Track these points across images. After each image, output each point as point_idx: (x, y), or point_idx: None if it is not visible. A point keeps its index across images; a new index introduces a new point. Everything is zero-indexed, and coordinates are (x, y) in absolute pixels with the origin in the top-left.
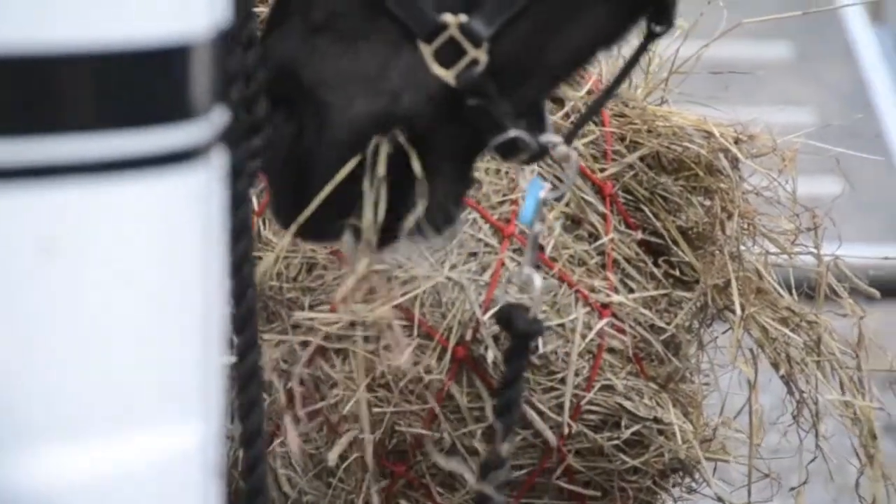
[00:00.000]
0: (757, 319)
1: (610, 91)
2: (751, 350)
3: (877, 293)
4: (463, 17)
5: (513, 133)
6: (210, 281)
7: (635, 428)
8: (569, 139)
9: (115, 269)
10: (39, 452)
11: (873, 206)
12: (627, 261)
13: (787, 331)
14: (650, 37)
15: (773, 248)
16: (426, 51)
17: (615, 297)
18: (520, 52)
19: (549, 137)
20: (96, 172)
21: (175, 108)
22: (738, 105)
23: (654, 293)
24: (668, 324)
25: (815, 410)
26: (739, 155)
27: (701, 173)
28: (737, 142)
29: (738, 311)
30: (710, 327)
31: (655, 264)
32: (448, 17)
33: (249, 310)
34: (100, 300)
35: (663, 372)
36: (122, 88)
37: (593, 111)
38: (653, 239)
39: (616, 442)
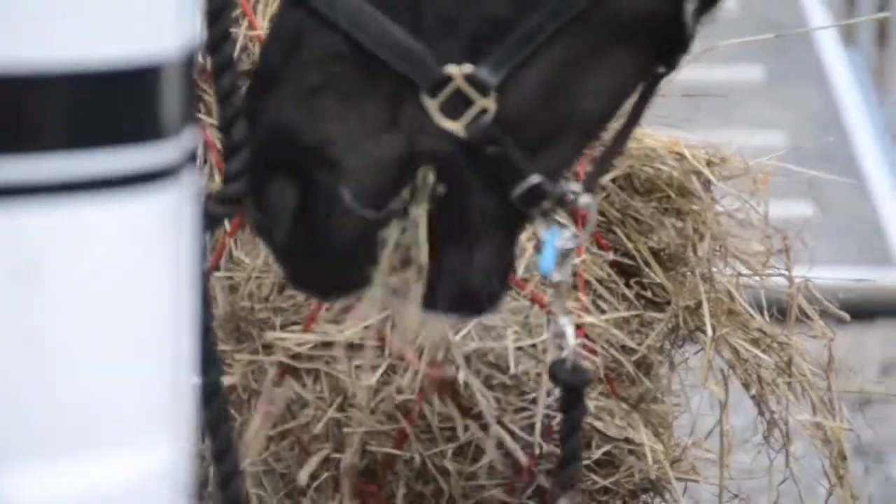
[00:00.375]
0: (728, 340)
1: (625, 134)
2: (722, 371)
3: (847, 316)
4: (468, 68)
5: (535, 179)
6: (180, 300)
7: (606, 448)
8: (589, 187)
9: (85, 288)
10: (6, 471)
11: (845, 229)
12: (599, 282)
13: (758, 352)
14: (656, 78)
15: (744, 270)
16: (432, 104)
17: (587, 318)
18: (532, 100)
19: (570, 186)
20: (66, 192)
21: (146, 129)
22: (711, 128)
23: (625, 314)
24: (640, 344)
25: (785, 431)
26: (711, 177)
27: (673, 195)
28: (709, 164)
29: (710, 332)
30: (681, 348)
31: (627, 285)
32: (452, 69)
33: (206, 326)
34: (69, 320)
35: (634, 392)
36: (94, 109)
37: (610, 156)
38: (624, 260)
39: (587, 462)
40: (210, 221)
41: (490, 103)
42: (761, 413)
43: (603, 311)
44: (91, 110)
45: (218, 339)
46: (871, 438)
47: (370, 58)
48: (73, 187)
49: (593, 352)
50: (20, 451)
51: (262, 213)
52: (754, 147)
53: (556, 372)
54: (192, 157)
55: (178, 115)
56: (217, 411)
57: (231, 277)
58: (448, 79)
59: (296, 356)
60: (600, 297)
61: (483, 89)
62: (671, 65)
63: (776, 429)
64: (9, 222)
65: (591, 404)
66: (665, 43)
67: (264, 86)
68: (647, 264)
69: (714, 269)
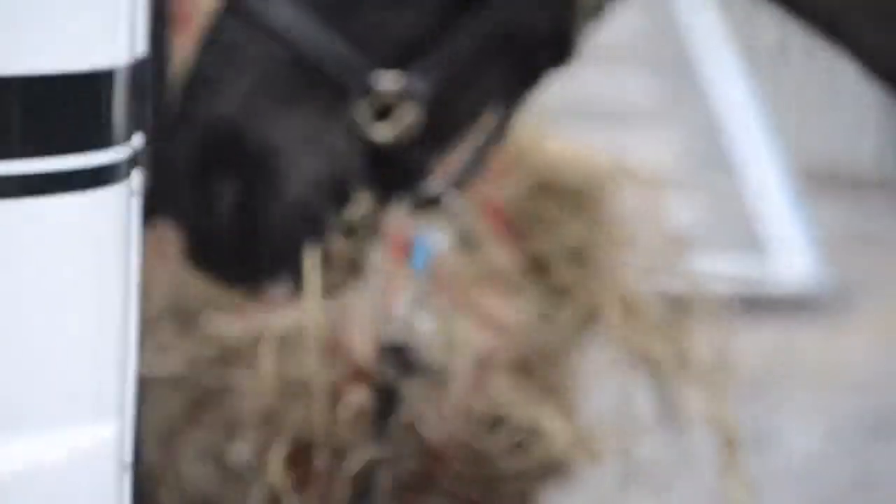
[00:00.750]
0: (629, 332)
1: (496, 136)
2: (625, 361)
3: (738, 308)
4: (399, 75)
5: (435, 186)
6: (128, 288)
7: (517, 433)
8: (458, 185)
9: (39, 276)
10: None
11: (733, 229)
12: (511, 277)
13: (657, 344)
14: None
15: (644, 267)
16: (364, 109)
17: (499, 311)
18: (449, 107)
19: (437, 186)
20: (20, 191)
21: (97, 133)
22: (610, 136)
23: (536, 308)
24: (549, 336)
25: (682, 419)
26: (613, 182)
27: (579, 199)
28: (610, 170)
29: (614, 325)
30: (588, 340)
31: (537, 281)
32: (385, 76)
33: None
34: (24, 304)
35: (544, 381)
36: (47, 113)
37: (480, 158)
38: (536, 257)
39: (498, 447)
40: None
41: (417, 110)
42: (660, 401)
43: (515, 305)
44: (44, 115)
45: (158, 327)
46: (762, 425)
47: (307, 64)
48: (26, 187)
49: (506, 343)
50: None
51: (198, 207)
52: (652, 154)
53: (386, 358)
54: (139, 160)
55: (127, 120)
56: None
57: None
58: (378, 86)
59: (233, 345)
60: (513, 291)
61: (414, 96)
62: (560, 63)
63: (674, 416)
64: None
65: (502, 392)
66: (554, 53)
67: (203, 85)
68: (557, 262)
69: (616, 267)
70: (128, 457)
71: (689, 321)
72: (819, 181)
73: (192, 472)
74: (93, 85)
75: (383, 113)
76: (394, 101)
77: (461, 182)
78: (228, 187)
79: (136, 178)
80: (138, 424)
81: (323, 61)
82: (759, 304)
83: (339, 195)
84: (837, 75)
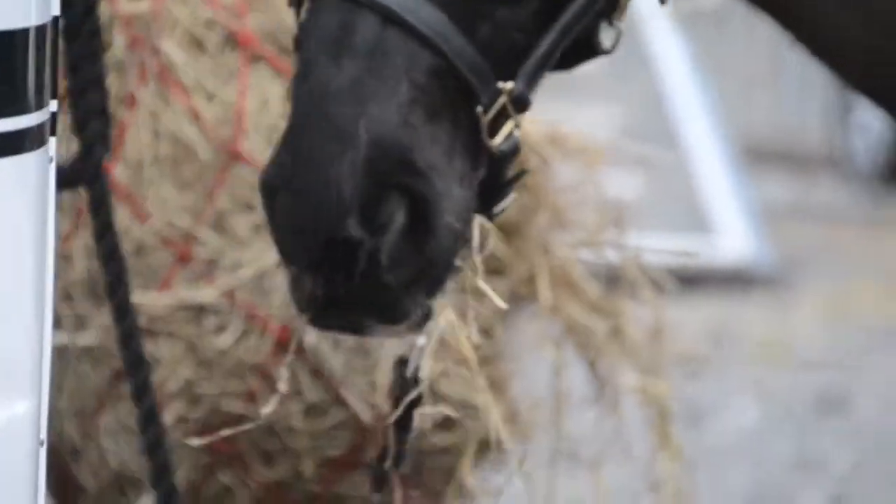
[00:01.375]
0: (563, 308)
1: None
2: (557, 337)
3: (674, 284)
4: (510, 83)
5: (512, 198)
6: (43, 262)
7: (446, 409)
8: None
9: None
10: None
11: (673, 204)
12: None
13: (591, 319)
14: None
15: (579, 242)
16: (484, 119)
17: None
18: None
19: None
20: None
21: (10, 97)
22: (547, 105)
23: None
24: (481, 309)
25: (615, 393)
26: (549, 152)
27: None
28: (546, 139)
29: (546, 300)
30: (520, 314)
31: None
32: (502, 84)
33: (118, 275)
34: None
35: (474, 356)
36: None
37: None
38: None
39: (427, 424)
40: (68, 185)
41: (521, 120)
42: (593, 376)
43: None
44: None
45: (76, 299)
46: (695, 400)
47: (449, 70)
48: None
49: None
50: None
51: (364, 232)
52: (590, 124)
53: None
54: (52, 124)
55: (42, 85)
56: (141, 380)
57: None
58: (499, 93)
59: (152, 318)
60: None
61: (521, 106)
62: None
63: (607, 391)
64: None
65: (432, 367)
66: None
67: (351, 95)
68: (489, 235)
69: (551, 241)
70: (43, 433)
71: (624, 296)
72: (763, 156)
73: (113, 446)
74: (4, 46)
75: (496, 124)
76: (507, 111)
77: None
78: (399, 214)
79: (52, 145)
80: (54, 400)
81: (463, 69)
82: (700, 280)
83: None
84: (782, 50)
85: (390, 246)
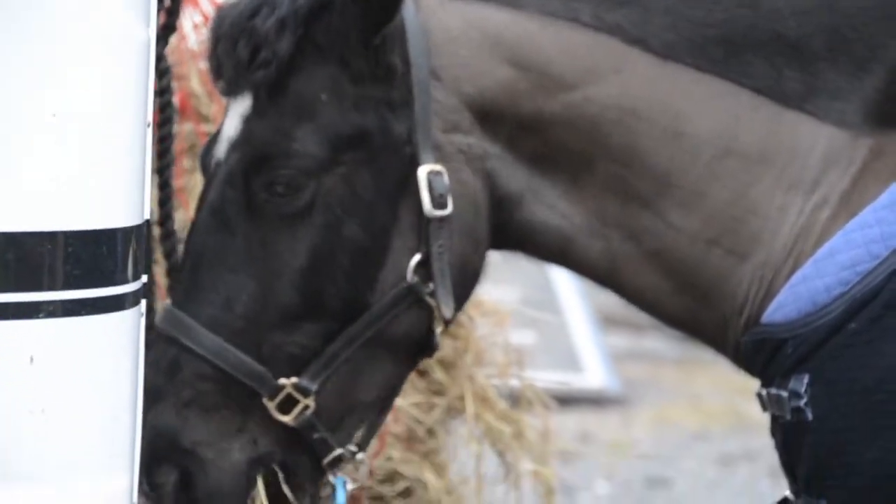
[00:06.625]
0: (482, 417)
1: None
2: (478, 436)
3: (555, 402)
4: (294, 379)
5: (338, 451)
6: (137, 373)
7: (406, 484)
8: (362, 448)
9: (76, 371)
10: None
11: (556, 350)
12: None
13: (501, 424)
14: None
15: (494, 373)
16: (270, 405)
17: (397, 401)
18: (338, 397)
19: (351, 447)
20: (62, 313)
21: (117, 273)
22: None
23: (419, 399)
24: (428, 418)
25: (517, 475)
26: (473, 314)
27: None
28: (470, 304)
29: (471, 411)
30: (454, 420)
31: (420, 379)
32: (284, 380)
33: None
34: (70, 394)
35: (424, 448)
36: (81, 258)
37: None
38: (419, 367)
39: (394, 492)
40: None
41: (311, 402)
42: (502, 463)
43: (404, 396)
44: (79, 259)
45: None
46: (570, 481)
47: (227, 377)
48: (67, 310)
49: (398, 420)
50: (12, 479)
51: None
52: (498, 295)
53: None
54: (142, 293)
55: (135, 264)
56: None
57: None
58: (281, 387)
59: None
60: (406, 386)
61: (305, 393)
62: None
63: (511, 474)
64: (14, 331)
65: (396, 454)
66: (418, 348)
67: (151, 399)
68: (433, 369)
69: (475, 373)
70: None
71: (523, 410)
72: (612, 321)
73: None
74: (111, 239)
75: (287, 406)
76: (293, 397)
77: (362, 445)
78: (170, 477)
79: (143, 305)
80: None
81: (239, 377)
82: (572, 400)
83: (266, 469)
84: None
85: (169, 498)
